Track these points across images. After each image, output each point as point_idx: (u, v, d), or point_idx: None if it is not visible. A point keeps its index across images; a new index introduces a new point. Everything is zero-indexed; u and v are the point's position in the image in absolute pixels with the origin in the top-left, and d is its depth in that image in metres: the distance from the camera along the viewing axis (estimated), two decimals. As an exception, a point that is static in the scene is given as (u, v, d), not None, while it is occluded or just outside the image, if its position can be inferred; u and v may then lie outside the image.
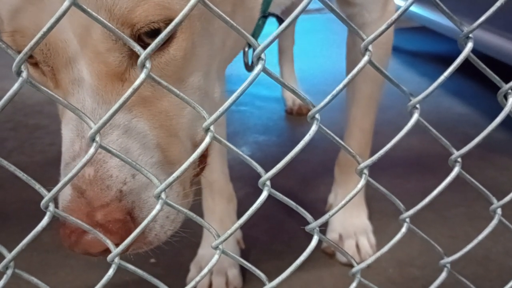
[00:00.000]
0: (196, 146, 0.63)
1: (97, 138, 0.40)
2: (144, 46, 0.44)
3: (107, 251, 0.49)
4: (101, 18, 0.38)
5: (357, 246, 1.18)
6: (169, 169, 0.57)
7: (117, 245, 0.47)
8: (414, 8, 2.57)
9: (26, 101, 2.21)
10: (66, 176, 0.41)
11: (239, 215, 1.17)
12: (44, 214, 0.42)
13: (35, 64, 0.58)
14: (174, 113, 0.59)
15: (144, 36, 0.52)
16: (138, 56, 0.40)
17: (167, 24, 0.48)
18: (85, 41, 0.52)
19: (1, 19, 0.56)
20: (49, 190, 0.42)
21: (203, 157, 0.67)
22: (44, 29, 0.35)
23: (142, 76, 0.38)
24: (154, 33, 0.51)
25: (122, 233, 0.51)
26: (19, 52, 0.54)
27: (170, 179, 0.43)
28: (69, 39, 0.52)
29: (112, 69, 0.54)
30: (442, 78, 0.45)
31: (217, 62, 0.67)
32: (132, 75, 0.55)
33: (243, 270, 1.13)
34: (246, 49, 0.80)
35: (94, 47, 0.52)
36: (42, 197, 0.42)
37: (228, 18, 0.40)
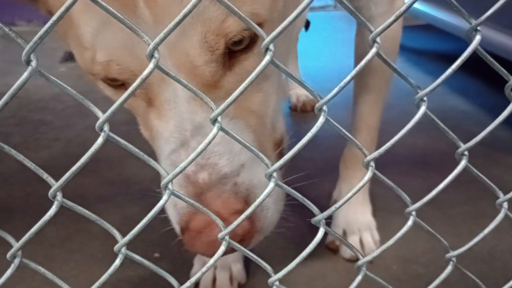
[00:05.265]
0: (276, 143, 0.69)
1: (105, 128, 0.40)
2: (233, 53, 0.56)
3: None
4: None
5: (361, 242, 1.18)
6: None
7: (241, 240, 0.54)
8: (419, 6, 2.56)
9: (31, 97, 2.22)
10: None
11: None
12: (49, 208, 0.42)
13: (120, 86, 0.60)
14: (262, 112, 0.64)
15: (232, 45, 0.55)
16: (230, 64, 0.55)
17: None
18: (180, 59, 0.54)
19: (90, 48, 0.57)
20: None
21: (280, 142, 0.71)
22: (54, 18, 0.35)
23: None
24: (240, 41, 0.55)
25: (244, 224, 0.55)
26: (110, 80, 0.59)
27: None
28: (164, 62, 0.54)
29: (208, 80, 0.56)
30: (450, 70, 0.45)
31: (286, 52, 0.70)
32: (226, 81, 0.58)
33: (247, 265, 1.14)
34: None
35: (191, 63, 0.54)
36: (46, 192, 0.42)
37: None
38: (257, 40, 0.57)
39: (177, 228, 0.63)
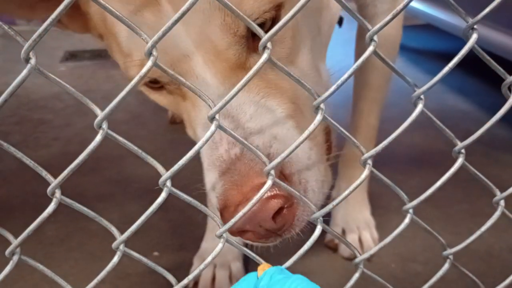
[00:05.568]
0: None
1: (104, 125, 0.40)
2: (257, 36, 0.50)
3: (276, 215, 0.53)
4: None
5: (360, 241, 1.18)
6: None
7: (279, 210, 0.52)
8: (418, 6, 2.56)
9: (31, 95, 2.22)
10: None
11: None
12: (47, 206, 0.43)
13: (158, 88, 0.64)
14: (295, 92, 0.63)
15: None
16: (255, 46, 0.51)
17: (276, 10, 0.55)
18: (204, 45, 0.55)
19: (128, 52, 0.59)
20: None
21: (327, 135, 0.71)
22: (53, 16, 0.36)
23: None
24: (262, 24, 0.55)
25: (283, 191, 0.54)
26: (150, 83, 0.61)
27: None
28: (190, 53, 0.56)
29: (233, 63, 0.57)
30: (446, 68, 0.45)
31: (318, 44, 0.70)
32: (253, 62, 0.58)
33: (246, 264, 1.14)
34: None
35: (215, 49, 0.56)
36: (45, 190, 0.43)
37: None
38: (280, 17, 0.57)
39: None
